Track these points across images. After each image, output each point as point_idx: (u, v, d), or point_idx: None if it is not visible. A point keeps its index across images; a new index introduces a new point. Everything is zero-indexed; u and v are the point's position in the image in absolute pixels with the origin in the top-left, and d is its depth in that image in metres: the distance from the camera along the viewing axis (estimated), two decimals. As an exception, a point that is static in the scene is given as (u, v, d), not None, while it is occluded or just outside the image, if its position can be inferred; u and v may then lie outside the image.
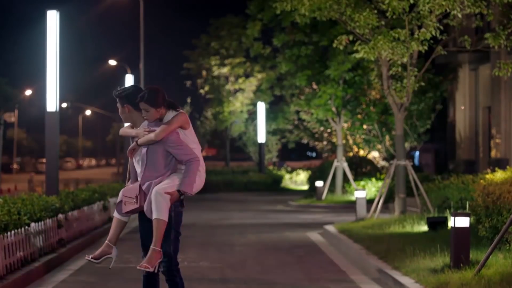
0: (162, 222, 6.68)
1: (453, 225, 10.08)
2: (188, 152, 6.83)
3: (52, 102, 15.56)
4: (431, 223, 14.38)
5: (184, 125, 6.91)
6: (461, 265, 9.91)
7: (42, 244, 12.27)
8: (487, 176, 13.05)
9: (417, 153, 38.88)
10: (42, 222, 12.44)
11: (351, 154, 33.90)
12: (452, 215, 10.17)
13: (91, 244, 15.42)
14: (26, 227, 11.61)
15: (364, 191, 18.52)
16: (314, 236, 17.24)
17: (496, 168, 15.15)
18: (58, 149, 15.74)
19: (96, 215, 17.47)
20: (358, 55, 16.78)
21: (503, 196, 10.98)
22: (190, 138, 6.95)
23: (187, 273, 11.66)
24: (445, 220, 14.45)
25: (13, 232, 10.84)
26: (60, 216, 13.65)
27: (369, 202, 20.87)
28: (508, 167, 13.90)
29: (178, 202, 6.88)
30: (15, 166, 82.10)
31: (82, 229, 15.71)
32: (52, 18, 15.60)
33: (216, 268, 12.15)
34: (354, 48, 16.76)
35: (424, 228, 14.85)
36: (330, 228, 17.38)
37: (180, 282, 6.91)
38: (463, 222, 10.07)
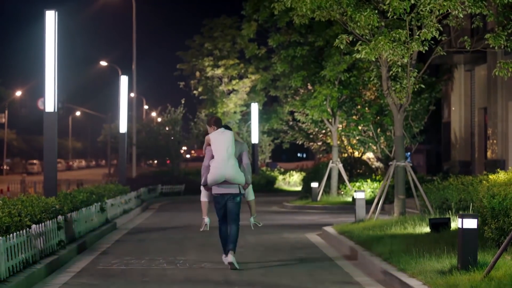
0: None
1: (460, 227, 10.00)
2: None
3: (51, 102, 15.43)
4: (434, 224, 14.28)
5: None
6: (469, 266, 9.83)
7: (42, 246, 12.15)
8: (491, 177, 12.99)
9: (408, 154, 38.87)
10: (43, 223, 12.32)
11: (345, 155, 33.82)
12: (459, 217, 10.09)
13: (89, 246, 15.28)
14: (27, 229, 11.49)
15: (363, 192, 18.39)
16: (314, 237, 17.13)
17: (498, 169, 15.10)
18: (57, 150, 15.59)
19: (94, 216, 17.33)
20: (358, 55, 16.67)
21: (509, 198, 10.93)
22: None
23: (191, 275, 11.58)
24: (447, 221, 14.36)
25: (15, 234, 10.72)
26: (60, 217, 13.51)
27: (366, 203, 20.74)
28: (510, 167, 13.85)
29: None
30: (4, 167, 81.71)
31: (81, 231, 15.58)
32: (51, 18, 15.46)
33: (219, 270, 12.04)
34: (355, 48, 16.66)
35: (426, 229, 14.75)
36: (329, 229, 17.27)
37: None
38: (470, 223, 10.00)
